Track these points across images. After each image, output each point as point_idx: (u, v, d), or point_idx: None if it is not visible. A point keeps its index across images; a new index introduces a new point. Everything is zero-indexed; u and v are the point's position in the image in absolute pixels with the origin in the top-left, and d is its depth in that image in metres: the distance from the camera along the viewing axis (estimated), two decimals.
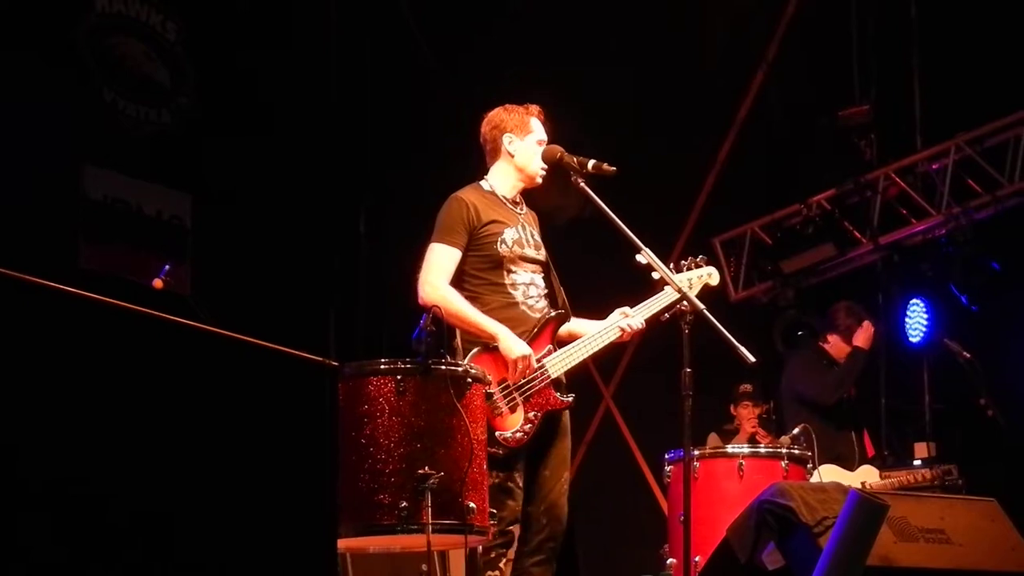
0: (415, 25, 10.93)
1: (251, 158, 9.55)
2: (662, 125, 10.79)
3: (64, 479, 2.92)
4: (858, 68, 10.75)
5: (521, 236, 5.79)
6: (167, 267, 8.43)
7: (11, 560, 2.81)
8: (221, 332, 3.35)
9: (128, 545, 3.03)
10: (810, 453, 6.77)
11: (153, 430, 3.12)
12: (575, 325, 5.89)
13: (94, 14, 9.24)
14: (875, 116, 10.46)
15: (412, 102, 10.61)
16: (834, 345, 9.02)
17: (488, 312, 5.63)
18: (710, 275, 6.19)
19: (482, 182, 5.90)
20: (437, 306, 5.21)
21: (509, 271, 5.73)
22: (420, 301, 5.60)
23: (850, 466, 8.31)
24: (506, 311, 5.66)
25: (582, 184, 5.66)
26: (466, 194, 5.79)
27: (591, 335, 5.79)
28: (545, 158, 5.80)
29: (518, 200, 5.92)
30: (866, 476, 8.21)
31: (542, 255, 5.86)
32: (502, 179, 5.89)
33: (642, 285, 5.87)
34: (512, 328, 5.59)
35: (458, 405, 4.87)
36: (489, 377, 5.26)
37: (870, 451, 8.91)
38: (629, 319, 5.81)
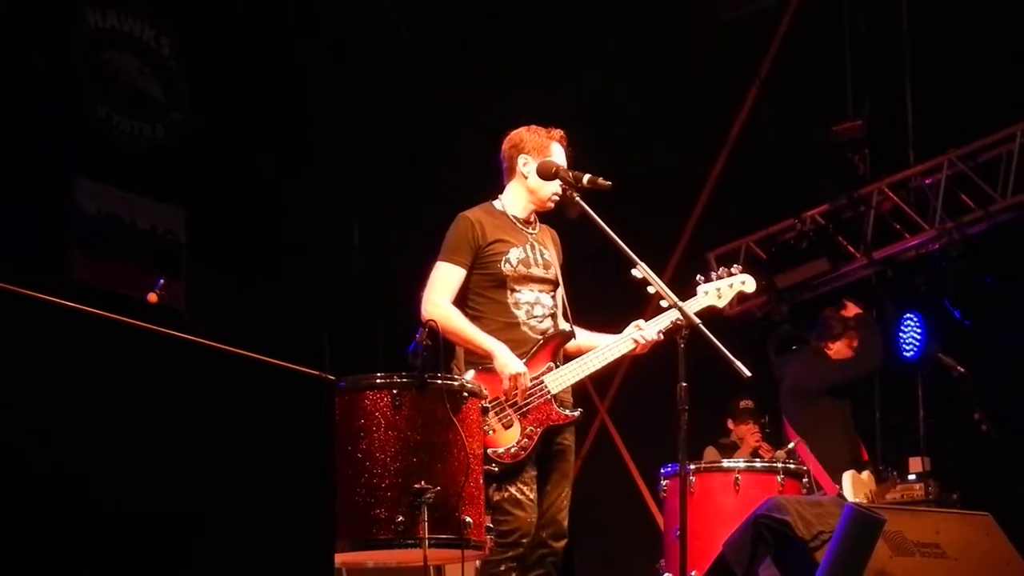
0: (411, 38, 10.95)
1: (244, 173, 9.56)
2: (657, 140, 10.81)
3: (59, 492, 2.91)
4: (851, 83, 10.79)
5: (528, 255, 5.79)
6: (162, 281, 8.42)
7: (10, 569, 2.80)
8: (218, 346, 3.34)
9: (124, 560, 3.02)
10: (805, 468, 6.76)
11: (149, 445, 3.11)
12: (586, 339, 5.88)
13: (88, 29, 9.25)
14: (868, 131, 10.49)
15: (407, 117, 10.62)
16: (838, 351, 8.97)
17: (489, 331, 5.63)
18: (744, 283, 6.14)
19: (495, 201, 5.91)
20: (433, 320, 5.21)
21: (513, 290, 5.73)
22: (423, 319, 5.58)
23: (859, 469, 8.31)
24: (507, 331, 5.67)
25: (578, 198, 5.66)
26: (474, 213, 5.81)
27: (600, 349, 5.78)
28: (541, 172, 5.79)
29: (531, 220, 5.92)
30: (871, 483, 8.23)
31: (551, 274, 5.85)
32: (514, 199, 5.89)
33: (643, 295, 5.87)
34: (512, 347, 5.59)
35: (454, 419, 4.87)
36: (485, 392, 5.25)
37: (864, 455, 8.88)
38: (642, 331, 5.80)
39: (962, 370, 8.85)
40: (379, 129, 10.36)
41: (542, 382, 5.62)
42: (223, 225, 9.47)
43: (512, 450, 5.49)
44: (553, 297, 5.85)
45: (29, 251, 8.10)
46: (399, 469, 4.76)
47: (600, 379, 11.04)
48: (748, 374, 5.31)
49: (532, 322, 5.74)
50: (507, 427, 5.51)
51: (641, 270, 5.64)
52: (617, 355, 5.81)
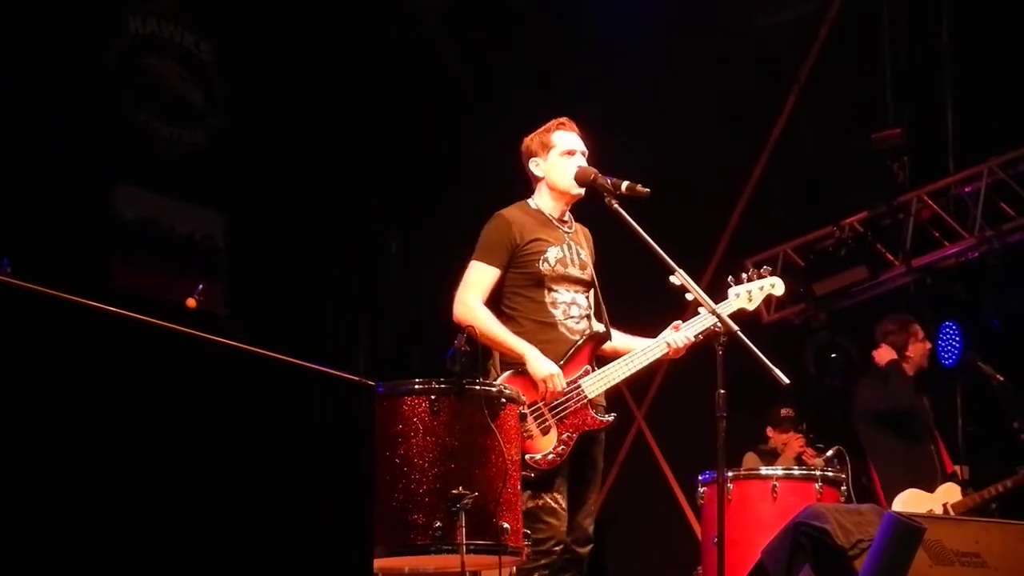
0: (448, 47, 10.98)
1: (284, 178, 9.59)
2: (695, 146, 10.79)
3: (99, 496, 2.92)
4: (891, 91, 10.74)
5: (566, 255, 5.76)
6: (201, 286, 8.46)
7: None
8: (258, 351, 3.35)
9: (165, 563, 3.03)
10: (844, 475, 6.73)
11: (188, 450, 3.12)
12: (622, 342, 5.86)
13: (128, 35, 9.30)
14: (908, 139, 10.44)
15: (445, 124, 10.65)
16: (881, 355, 8.85)
17: (525, 332, 5.61)
18: (773, 285, 6.13)
19: (528, 200, 5.89)
20: (472, 325, 5.20)
21: (550, 289, 5.69)
22: (454, 319, 5.60)
23: (931, 486, 8.20)
24: (545, 331, 5.64)
25: (616, 206, 5.64)
26: (510, 212, 5.79)
27: (635, 352, 5.76)
28: (579, 180, 5.78)
29: (567, 219, 5.89)
30: (947, 496, 8.13)
31: (587, 274, 5.82)
32: (544, 200, 5.87)
33: (679, 301, 5.87)
34: (549, 348, 5.57)
35: (492, 425, 4.85)
36: (524, 398, 5.24)
37: (948, 465, 8.72)
38: (675, 335, 5.79)
39: (1001, 378, 8.78)
40: (418, 135, 10.38)
41: (579, 386, 5.59)
42: (261, 230, 9.50)
43: (549, 456, 5.48)
44: (588, 298, 5.82)
45: (69, 257, 8.15)
46: (437, 475, 4.75)
47: (637, 385, 11.08)
48: (786, 381, 5.30)
49: (569, 323, 5.70)
50: (545, 432, 5.49)
51: (679, 276, 5.62)
52: (652, 359, 5.79)
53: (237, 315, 8.94)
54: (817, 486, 6.43)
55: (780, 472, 6.67)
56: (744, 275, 6.11)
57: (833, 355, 10.44)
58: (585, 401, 5.59)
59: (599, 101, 9.96)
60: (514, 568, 5.22)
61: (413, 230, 10.25)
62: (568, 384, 5.56)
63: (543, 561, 5.38)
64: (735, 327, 5.39)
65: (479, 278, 5.67)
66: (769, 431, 10.15)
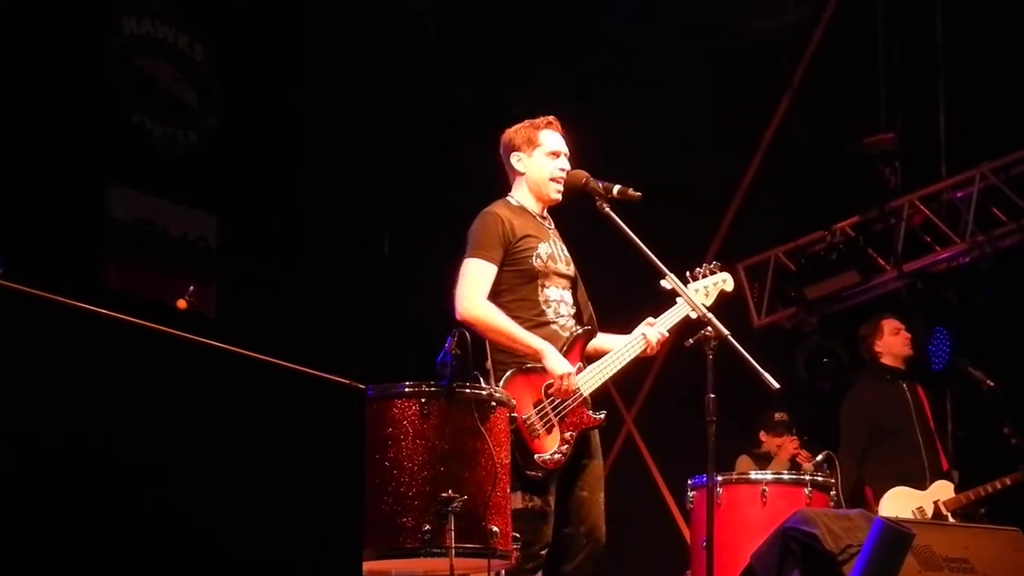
0: (442, 48, 10.98)
1: (277, 180, 9.59)
2: (688, 149, 10.80)
3: (90, 498, 2.92)
4: (884, 95, 10.75)
5: (553, 251, 5.74)
6: (191, 288, 8.45)
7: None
8: (248, 354, 3.36)
9: (154, 565, 3.03)
10: (833, 480, 6.74)
11: (177, 451, 3.13)
12: (601, 340, 5.85)
13: (122, 36, 9.29)
14: (900, 143, 10.45)
15: (438, 126, 10.65)
16: (889, 353, 8.78)
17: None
18: (724, 281, 6.16)
19: (509, 197, 5.85)
20: (472, 324, 5.19)
21: (543, 286, 5.67)
22: (458, 317, 5.52)
23: (921, 484, 8.18)
24: (539, 329, 5.60)
25: (607, 210, 5.64)
26: (499, 208, 5.73)
27: (619, 349, 5.75)
28: (570, 183, 5.77)
29: (545, 215, 5.87)
30: (939, 493, 8.12)
31: (572, 270, 5.81)
32: (524, 196, 5.84)
33: (665, 304, 5.87)
34: None
35: (482, 428, 4.86)
36: (513, 401, 5.24)
37: (944, 463, 8.62)
38: (649, 329, 5.78)
39: (992, 384, 8.79)
40: (412, 136, 10.39)
41: (576, 383, 5.59)
42: (254, 232, 9.50)
43: (556, 456, 5.47)
44: (573, 294, 5.81)
45: (62, 258, 8.14)
46: (426, 478, 4.76)
47: (627, 389, 11.09)
48: (776, 386, 5.31)
49: (560, 320, 5.69)
50: (549, 432, 5.48)
51: (670, 281, 5.64)
52: (632, 356, 5.77)
53: (230, 317, 8.94)
54: (807, 491, 6.43)
55: (770, 477, 6.68)
56: (699, 270, 6.11)
57: (824, 360, 10.44)
58: (581, 399, 5.58)
59: (593, 103, 9.98)
60: (503, 572, 5.22)
61: (406, 231, 10.26)
62: None
63: (530, 565, 5.35)
64: (726, 331, 5.39)
65: (479, 274, 5.59)
66: (762, 435, 10.15)
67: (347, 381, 3.59)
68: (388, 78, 10.35)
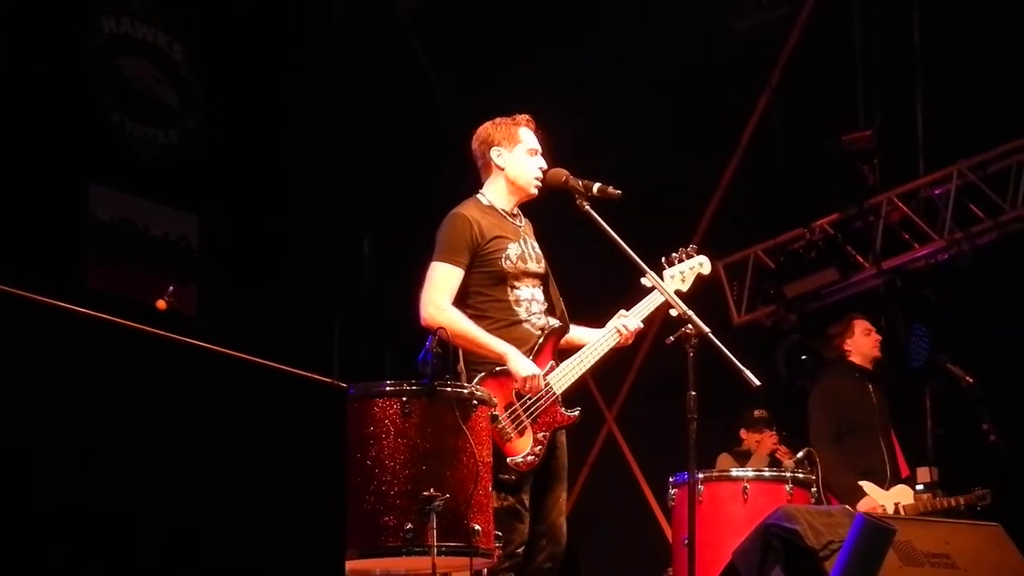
0: (419, 46, 10.98)
1: (257, 180, 9.58)
2: (666, 147, 10.82)
3: (66, 497, 2.92)
4: (862, 93, 10.78)
5: (523, 250, 5.71)
6: (171, 288, 8.44)
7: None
8: (229, 353, 3.35)
9: (132, 569, 3.03)
10: (814, 477, 6.75)
11: (157, 452, 3.12)
12: (575, 334, 5.84)
13: (102, 35, 9.27)
14: (878, 141, 10.47)
15: (416, 125, 10.65)
16: (858, 352, 8.75)
17: (493, 330, 5.55)
18: (701, 264, 6.12)
19: (479, 196, 5.81)
20: (443, 328, 5.18)
21: (513, 287, 5.64)
22: (423, 322, 5.51)
23: (881, 483, 8.18)
24: (511, 329, 5.59)
25: (587, 208, 5.65)
26: (468, 210, 5.70)
27: (593, 343, 5.75)
28: (550, 181, 5.76)
29: (516, 212, 5.84)
30: (899, 497, 8.13)
31: (542, 267, 5.79)
32: (498, 193, 5.80)
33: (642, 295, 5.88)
34: (517, 346, 5.53)
35: (464, 427, 4.86)
36: (495, 400, 5.24)
37: (904, 469, 8.66)
38: (624, 320, 5.79)
39: (971, 380, 8.81)
40: (391, 139, 10.38)
41: (547, 383, 5.57)
42: (235, 231, 9.49)
43: (528, 457, 5.46)
44: (544, 291, 5.80)
45: (44, 257, 8.12)
46: (408, 476, 4.76)
47: (607, 387, 11.11)
48: (757, 383, 5.31)
49: (532, 319, 5.67)
50: (521, 434, 5.47)
51: (650, 279, 5.65)
52: (607, 348, 5.77)
53: (211, 316, 8.93)
54: (788, 487, 6.46)
55: (751, 474, 6.69)
56: (674, 255, 6.08)
57: (803, 357, 10.47)
58: (554, 398, 5.59)
59: (571, 101, 10.00)
60: (484, 570, 5.22)
61: (385, 231, 10.25)
62: None
63: (506, 564, 5.34)
64: (706, 328, 5.40)
65: (444, 278, 5.57)
66: (742, 432, 10.18)
67: (329, 380, 3.58)
68: (369, 77, 10.34)
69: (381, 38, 10.67)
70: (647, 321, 5.91)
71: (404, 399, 4.84)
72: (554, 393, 5.58)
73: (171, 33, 9.66)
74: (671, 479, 6.61)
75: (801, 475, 6.63)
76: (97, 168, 8.96)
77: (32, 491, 2.85)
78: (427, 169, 10.37)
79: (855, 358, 8.52)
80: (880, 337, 8.73)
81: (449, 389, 4.94)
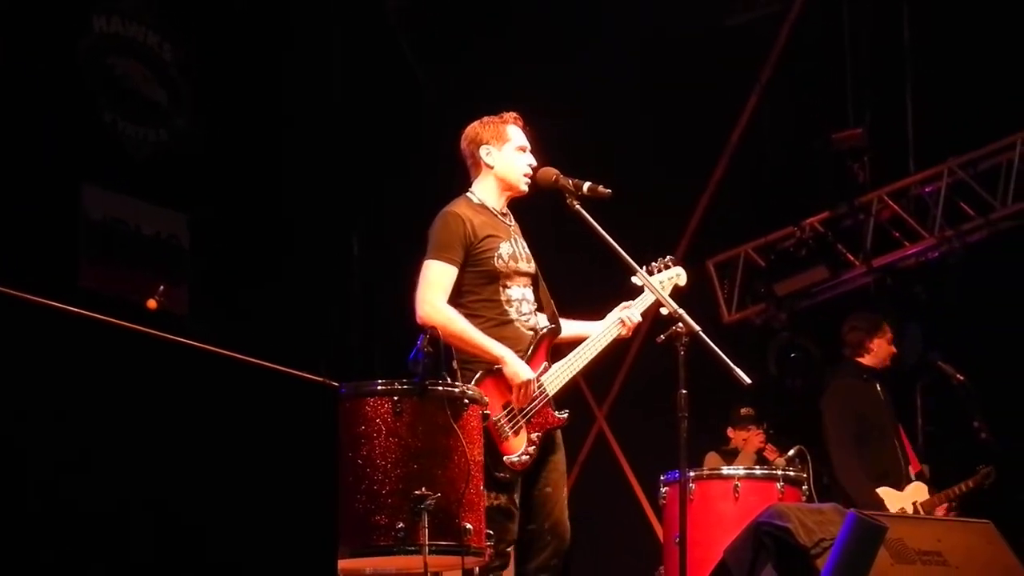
0: (408, 46, 10.98)
1: (248, 179, 9.58)
2: (657, 145, 10.82)
3: (60, 496, 2.91)
4: (852, 91, 10.79)
5: (514, 250, 5.71)
6: (161, 287, 8.43)
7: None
8: (221, 352, 3.35)
9: (127, 566, 3.03)
10: (805, 475, 6.76)
11: (151, 451, 3.12)
12: (575, 327, 5.85)
13: (93, 35, 9.25)
14: (869, 139, 10.49)
15: (406, 125, 10.64)
16: (875, 354, 8.68)
17: (483, 329, 5.53)
18: (678, 275, 6.13)
19: (469, 194, 5.80)
20: (435, 327, 5.16)
21: (505, 286, 5.63)
22: (419, 320, 5.48)
23: (898, 484, 8.16)
24: (502, 329, 5.58)
25: (577, 206, 5.64)
26: (459, 208, 5.68)
27: (595, 337, 5.76)
28: (540, 180, 5.74)
29: (506, 211, 5.83)
30: (916, 495, 8.12)
31: (532, 267, 5.78)
32: (488, 192, 5.79)
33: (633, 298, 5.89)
34: (509, 346, 5.52)
35: (455, 426, 4.85)
36: (486, 399, 5.23)
37: (915, 464, 8.53)
38: (628, 311, 5.80)
39: (961, 378, 8.82)
40: (381, 139, 10.38)
41: (541, 384, 5.58)
42: (226, 231, 9.48)
43: (523, 458, 5.48)
44: (534, 291, 5.79)
45: (36, 257, 8.10)
46: (400, 475, 4.75)
47: (598, 385, 11.10)
48: (747, 381, 5.31)
49: (523, 319, 5.67)
50: (517, 434, 5.48)
51: (641, 278, 5.66)
52: (609, 340, 5.79)
53: (202, 316, 8.92)
54: (779, 485, 6.46)
55: (742, 472, 6.69)
56: (653, 265, 6.06)
57: (794, 355, 10.48)
58: (547, 399, 5.60)
59: (561, 100, 10.00)
60: (476, 569, 5.22)
61: (376, 231, 10.25)
62: None
63: (497, 563, 5.35)
64: (697, 327, 5.40)
65: (439, 277, 5.54)
66: (730, 431, 10.19)
67: (320, 379, 3.58)
68: (359, 77, 10.34)
69: (371, 38, 10.66)
70: (643, 325, 5.92)
71: (395, 398, 4.84)
72: (547, 394, 5.59)
73: (161, 32, 9.64)
74: (662, 478, 6.61)
75: (792, 473, 6.63)
76: (89, 167, 8.94)
77: (23, 491, 2.85)
78: (417, 169, 10.37)
79: (868, 359, 8.46)
80: (895, 350, 8.67)
81: (440, 388, 4.93)
